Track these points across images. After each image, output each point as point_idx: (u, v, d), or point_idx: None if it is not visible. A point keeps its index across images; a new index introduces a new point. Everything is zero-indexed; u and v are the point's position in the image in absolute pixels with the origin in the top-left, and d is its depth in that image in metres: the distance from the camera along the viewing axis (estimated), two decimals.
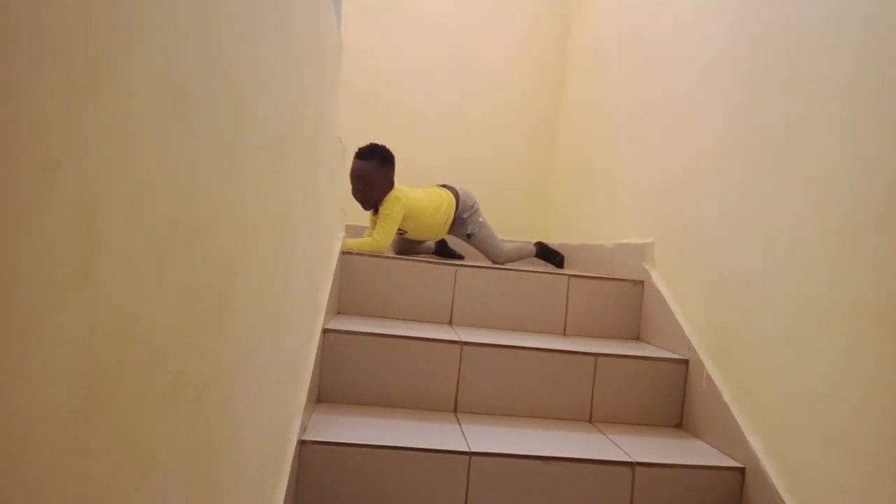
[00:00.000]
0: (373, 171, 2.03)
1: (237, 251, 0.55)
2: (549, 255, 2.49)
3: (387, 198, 2.04)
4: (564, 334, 1.70)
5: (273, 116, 0.67)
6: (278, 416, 0.90)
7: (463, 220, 2.23)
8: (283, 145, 0.73)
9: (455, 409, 1.40)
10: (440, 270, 1.69)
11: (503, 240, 2.35)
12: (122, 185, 0.32)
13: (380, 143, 2.11)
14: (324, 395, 1.37)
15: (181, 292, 0.41)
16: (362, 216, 2.26)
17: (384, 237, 1.97)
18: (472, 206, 2.27)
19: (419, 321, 1.64)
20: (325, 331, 1.36)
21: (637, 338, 1.72)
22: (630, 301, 1.73)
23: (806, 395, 1.06)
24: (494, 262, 2.22)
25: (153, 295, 0.37)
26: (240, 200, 0.55)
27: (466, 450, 1.15)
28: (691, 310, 1.49)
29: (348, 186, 2.05)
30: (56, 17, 0.25)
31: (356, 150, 2.07)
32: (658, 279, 1.66)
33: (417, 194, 2.14)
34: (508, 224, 2.90)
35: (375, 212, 2.09)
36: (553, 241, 2.84)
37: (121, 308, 0.32)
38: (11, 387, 0.24)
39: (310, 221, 1.08)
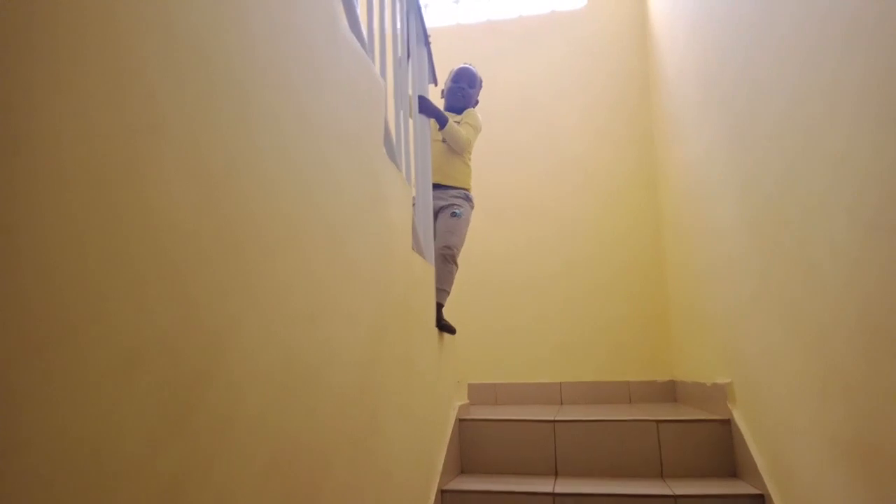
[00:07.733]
0: (474, 75, 2.45)
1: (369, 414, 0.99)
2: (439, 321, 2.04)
3: (473, 111, 2.40)
4: (662, 477, 1.87)
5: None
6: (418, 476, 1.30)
7: (462, 196, 2.28)
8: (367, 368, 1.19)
9: None
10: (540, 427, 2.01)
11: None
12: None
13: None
14: None
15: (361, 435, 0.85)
16: (478, 377, 2.66)
17: (468, 137, 2.28)
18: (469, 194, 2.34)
19: (527, 475, 1.93)
20: (442, 491, 1.73)
21: (734, 475, 1.83)
22: (719, 439, 1.87)
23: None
24: (448, 249, 2.17)
25: (353, 411, 0.80)
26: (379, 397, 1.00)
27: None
28: (764, 447, 1.62)
29: (463, 368, 2.44)
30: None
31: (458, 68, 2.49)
32: (739, 418, 1.80)
33: None
34: (634, 365, 3.10)
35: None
36: (676, 378, 2.96)
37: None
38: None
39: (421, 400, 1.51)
